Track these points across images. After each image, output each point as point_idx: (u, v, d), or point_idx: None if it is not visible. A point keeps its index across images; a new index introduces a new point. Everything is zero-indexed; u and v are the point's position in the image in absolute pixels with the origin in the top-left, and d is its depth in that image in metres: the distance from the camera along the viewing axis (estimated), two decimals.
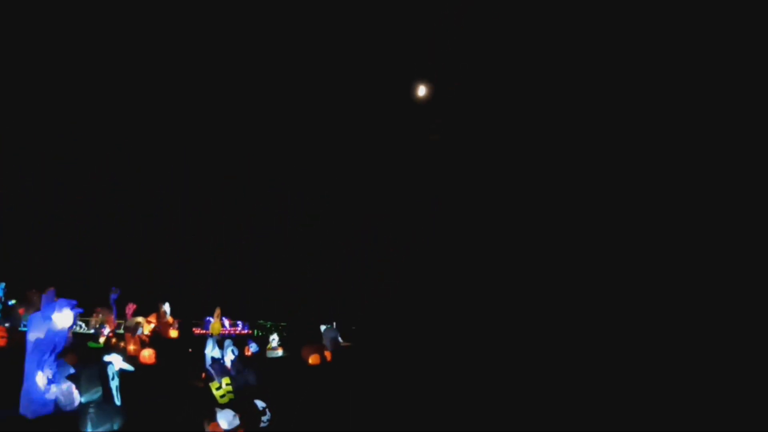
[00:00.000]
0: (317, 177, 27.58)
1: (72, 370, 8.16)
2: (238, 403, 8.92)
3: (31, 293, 14.43)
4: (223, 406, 8.49)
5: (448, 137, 23.66)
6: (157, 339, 15.90)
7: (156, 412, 8.58)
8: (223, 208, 27.49)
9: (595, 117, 19.28)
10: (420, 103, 23.09)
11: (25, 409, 7.72)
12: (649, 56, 18.05)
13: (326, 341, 16.06)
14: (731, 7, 16.18)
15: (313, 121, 26.47)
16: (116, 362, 7.99)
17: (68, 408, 8.03)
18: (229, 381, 10.04)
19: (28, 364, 7.83)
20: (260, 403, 8.42)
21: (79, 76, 23.75)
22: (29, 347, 7.89)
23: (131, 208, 25.89)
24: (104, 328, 16.48)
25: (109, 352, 8.72)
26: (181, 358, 13.84)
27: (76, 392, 7.96)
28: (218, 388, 9.77)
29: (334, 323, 18.29)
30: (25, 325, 13.10)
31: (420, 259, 23.88)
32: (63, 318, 8.07)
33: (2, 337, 12.41)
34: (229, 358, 11.37)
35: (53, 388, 7.97)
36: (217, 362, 10.80)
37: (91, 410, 7.23)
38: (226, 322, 21.28)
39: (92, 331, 17.02)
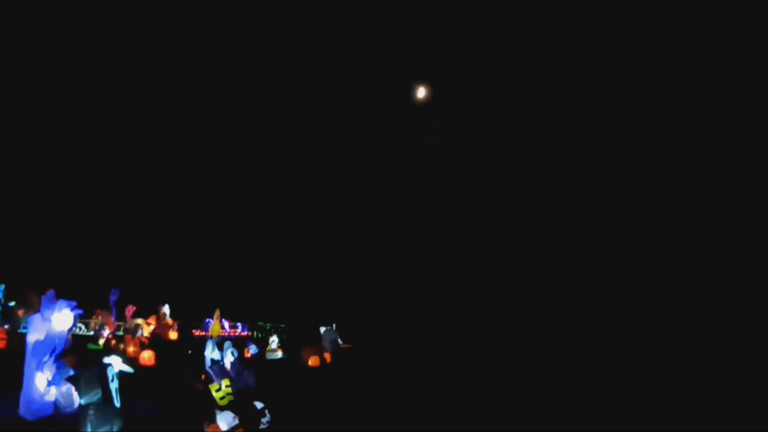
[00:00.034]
0: (317, 177, 27.59)
1: (72, 372, 8.18)
2: (238, 404, 8.94)
3: (31, 295, 14.46)
4: (222, 408, 8.52)
5: (448, 137, 23.68)
6: (156, 341, 15.91)
7: (156, 414, 8.58)
8: (222, 209, 27.51)
9: (596, 117, 19.30)
10: (420, 103, 23.12)
11: (25, 410, 7.73)
12: (650, 56, 18.08)
13: (326, 343, 16.06)
14: (731, 7, 16.21)
15: (313, 122, 26.51)
16: (116, 364, 8.00)
17: (68, 410, 8.05)
18: (228, 383, 10.05)
19: (28, 366, 7.84)
20: (260, 405, 8.43)
21: (79, 76, 23.79)
22: (29, 349, 7.90)
23: (130, 209, 25.90)
24: (104, 329, 16.51)
25: (108, 354, 8.74)
26: (180, 360, 13.84)
27: (75, 394, 7.97)
28: (218, 390, 9.78)
29: (334, 325, 18.30)
30: (24, 327, 13.12)
31: (420, 259, 23.87)
32: (62, 320, 8.09)
33: (2, 338, 12.42)
34: (228, 359, 11.38)
35: (53, 389, 7.98)
36: (217, 364, 10.81)
37: (90, 412, 7.24)
38: (226, 324, 21.30)
39: (92, 332, 17.05)
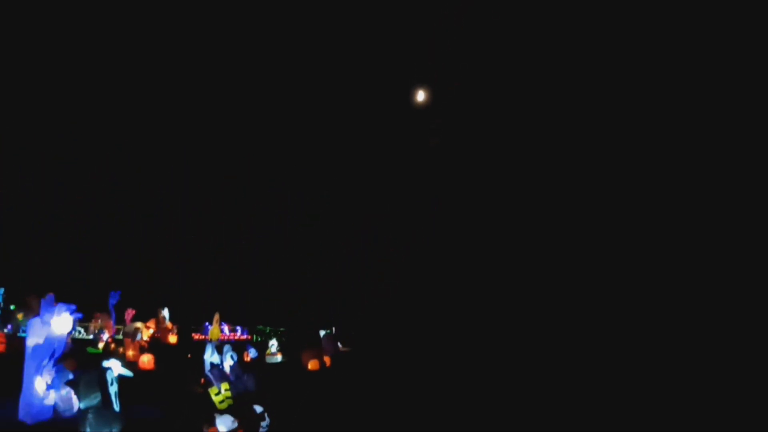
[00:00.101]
0: (317, 177, 27.57)
1: (71, 376, 8.19)
2: (237, 408, 8.94)
3: (31, 298, 14.46)
4: (222, 412, 8.51)
5: (449, 138, 23.69)
6: (156, 344, 15.90)
7: (155, 418, 8.57)
8: (222, 210, 27.50)
9: (595, 118, 19.34)
10: (420, 104, 23.14)
11: (25, 414, 7.72)
12: (650, 56, 18.12)
13: (325, 347, 16.06)
14: (731, 7, 16.26)
15: (313, 122, 26.53)
16: (115, 368, 8.01)
17: (67, 413, 8.04)
18: (228, 386, 10.05)
19: (27, 370, 7.83)
20: (259, 409, 8.43)
21: (78, 76, 23.82)
22: (28, 353, 7.90)
23: (129, 213, 25.90)
24: (103, 333, 16.51)
25: (108, 358, 8.75)
26: (180, 364, 13.83)
27: (75, 398, 7.97)
28: (217, 394, 9.78)
29: (334, 328, 18.30)
30: (24, 331, 13.13)
31: (420, 259, 23.86)
32: (62, 323, 8.08)
33: (1, 342, 12.42)
34: (228, 363, 11.38)
35: (52, 393, 7.98)
36: (216, 368, 10.81)
37: (90, 415, 7.24)
38: (225, 328, 21.29)
39: (91, 336, 17.04)
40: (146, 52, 24.39)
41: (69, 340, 10.43)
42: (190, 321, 19.32)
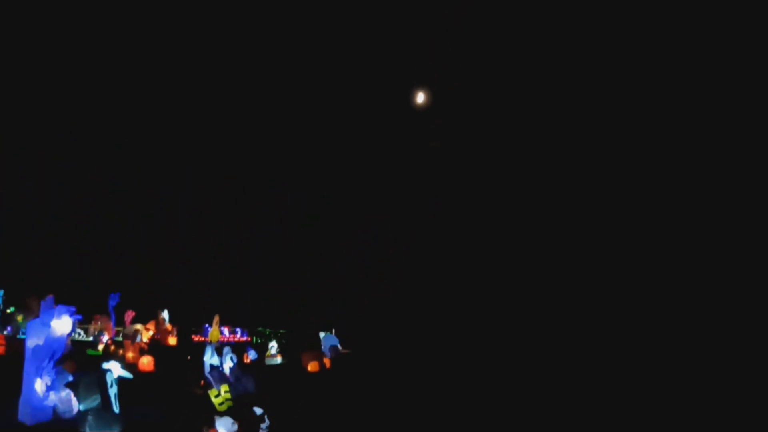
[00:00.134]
0: (317, 177, 27.55)
1: (70, 378, 8.17)
2: (237, 410, 8.94)
3: (30, 300, 14.44)
4: (221, 414, 8.51)
5: (449, 138, 23.70)
6: (155, 346, 15.89)
7: (155, 420, 8.57)
8: (221, 210, 27.47)
9: (595, 118, 19.35)
10: (420, 104, 23.15)
11: (24, 416, 7.72)
12: (650, 56, 18.14)
13: (325, 348, 16.05)
14: (731, 7, 16.28)
15: (313, 122, 26.52)
16: (115, 369, 8.00)
17: (67, 415, 8.03)
18: (227, 388, 10.05)
19: (27, 372, 7.83)
20: (259, 411, 8.43)
21: (78, 76, 23.82)
22: (28, 354, 7.89)
23: (129, 215, 25.88)
24: (103, 335, 16.49)
25: (107, 360, 8.73)
26: (179, 366, 13.82)
27: (74, 399, 7.96)
28: (217, 396, 9.77)
29: (333, 330, 18.29)
30: (23, 333, 13.12)
31: (420, 260, 23.85)
32: (62, 325, 8.08)
33: (1, 344, 12.41)
34: (227, 365, 11.37)
35: (52, 395, 7.97)
36: (216, 369, 10.80)
37: (89, 417, 7.24)
38: (225, 330, 21.27)
39: (91, 338, 17.01)
40: (146, 53, 24.41)
41: (69, 342, 10.42)
42: (190, 323, 19.31)
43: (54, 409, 8.01)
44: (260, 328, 23.34)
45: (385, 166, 26.04)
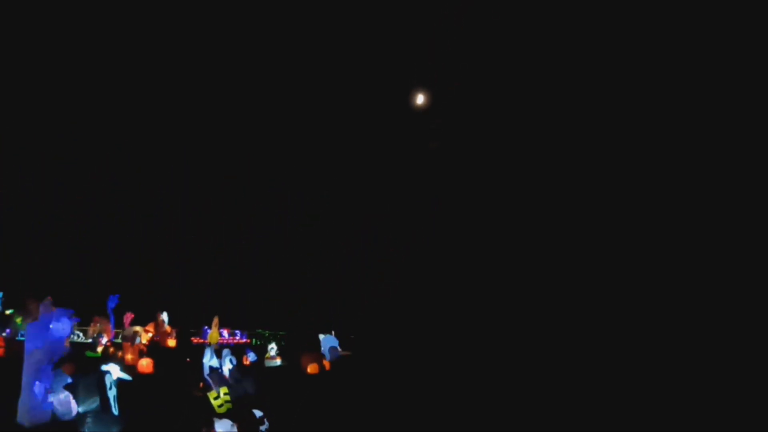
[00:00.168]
0: (317, 177, 27.56)
1: (69, 380, 8.15)
2: (236, 412, 8.91)
3: (29, 302, 14.40)
4: (221, 416, 8.49)
5: (449, 138, 23.70)
6: (155, 348, 15.86)
7: (154, 422, 8.55)
8: (221, 211, 27.47)
9: (594, 118, 19.36)
10: (420, 104, 23.15)
11: (23, 418, 7.70)
12: (650, 57, 18.15)
13: (325, 350, 16.02)
14: (731, 7, 16.30)
15: (313, 122, 26.53)
16: (114, 372, 7.99)
17: (66, 417, 8.01)
18: (227, 390, 10.02)
19: (26, 374, 7.81)
20: (258, 413, 8.41)
21: (78, 76, 23.82)
22: (27, 356, 7.88)
23: (128, 217, 25.87)
24: (102, 337, 16.45)
25: (106, 362, 8.72)
26: (179, 368, 13.80)
27: (73, 401, 7.94)
28: (216, 398, 9.75)
29: (333, 332, 18.25)
30: (22, 335, 13.09)
31: (420, 260, 23.84)
32: (60, 327, 8.06)
33: (0, 346, 12.38)
34: (227, 367, 11.36)
35: (51, 397, 7.95)
36: (215, 371, 10.78)
37: (88, 419, 7.22)
38: (224, 332, 21.24)
39: (90, 340, 16.98)
40: (146, 53, 24.42)
41: (67, 344, 10.40)
42: (189, 324, 19.28)
43: (53, 411, 7.99)
44: (259, 330, 23.32)
45: (385, 166, 26.05)
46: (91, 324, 17.44)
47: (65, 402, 8.05)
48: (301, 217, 27.94)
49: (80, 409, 7.43)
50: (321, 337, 16.75)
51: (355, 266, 26.61)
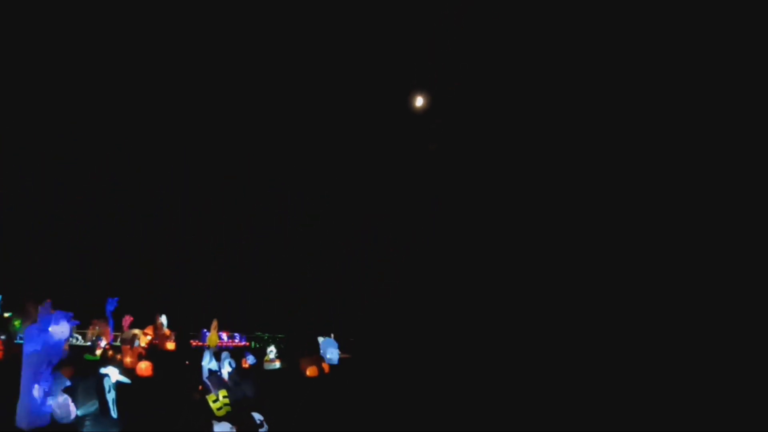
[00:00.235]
0: (317, 177, 27.54)
1: (68, 383, 8.15)
2: (235, 415, 8.91)
3: (28, 305, 14.38)
4: (220, 419, 8.48)
5: (448, 138, 23.72)
6: (153, 351, 15.83)
7: (153, 425, 8.54)
8: (221, 211, 27.44)
9: (594, 118, 19.39)
10: (419, 104, 23.17)
11: (22, 421, 7.69)
12: (650, 57, 18.19)
13: (324, 353, 16.01)
14: (731, 7, 16.34)
15: (313, 122, 26.53)
16: (113, 375, 7.99)
17: (64, 420, 8.00)
18: (226, 393, 10.02)
19: (25, 377, 7.80)
20: (257, 416, 8.41)
21: (77, 77, 23.82)
22: (26, 359, 7.87)
23: (127, 220, 25.84)
24: (101, 340, 16.41)
25: (105, 365, 8.71)
26: (178, 371, 13.78)
27: (72, 405, 7.93)
28: (215, 401, 9.74)
29: (332, 335, 18.23)
30: (21, 338, 13.07)
31: (420, 261, 23.82)
32: (59, 330, 8.06)
33: None
34: (226, 370, 11.34)
35: (49, 400, 7.94)
36: (214, 374, 10.78)
37: (87, 423, 7.21)
38: (223, 335, 21.20)
39: (89, 343, 16.95)
40: (146, 53, 24.44)
41: (66, 347, 10.39)
42: (188, 328, 19.25)
43: (51, 414, 7.98)
44: (259, 333, 23.27)
45: (385, 166, 26.06)
46: (90, 327, 17.41)
47: (64, 405, 8.04)
48: (301, 217, 27.94)
49: (79, 412, 7.42)
50: (320, 339, 16.74)
51: (355, 267, 26.60)
